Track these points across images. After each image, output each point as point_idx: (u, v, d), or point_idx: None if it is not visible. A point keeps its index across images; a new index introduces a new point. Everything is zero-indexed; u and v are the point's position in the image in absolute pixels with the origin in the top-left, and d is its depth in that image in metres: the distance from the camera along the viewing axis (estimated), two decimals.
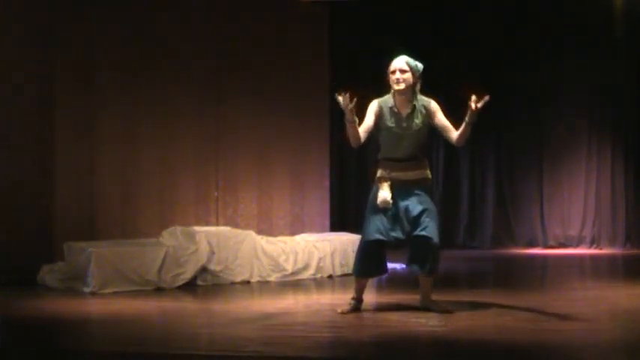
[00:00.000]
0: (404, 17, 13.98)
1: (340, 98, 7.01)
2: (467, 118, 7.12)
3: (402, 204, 7.24)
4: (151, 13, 10.41)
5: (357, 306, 7.40)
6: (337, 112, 12.67)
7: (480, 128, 14.01)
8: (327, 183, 12.13)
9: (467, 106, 7.09)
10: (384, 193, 7.21)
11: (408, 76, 7.25)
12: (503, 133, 14.58)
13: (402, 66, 7.27)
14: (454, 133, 7.29)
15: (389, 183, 7.25)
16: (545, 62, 14.27)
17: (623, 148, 14.22)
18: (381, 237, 7.24)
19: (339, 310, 7.34)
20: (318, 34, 12.14)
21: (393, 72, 7.28)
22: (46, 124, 9.65)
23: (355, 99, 7.04)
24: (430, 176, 7.43)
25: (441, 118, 7.34)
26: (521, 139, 14.50)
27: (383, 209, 7.23)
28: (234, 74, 11.11)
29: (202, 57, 10.86)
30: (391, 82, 7.30)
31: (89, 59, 9.89)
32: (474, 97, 7.05)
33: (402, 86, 7.24)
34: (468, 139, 7.34)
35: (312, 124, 11.74)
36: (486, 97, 7.04)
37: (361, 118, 7.30)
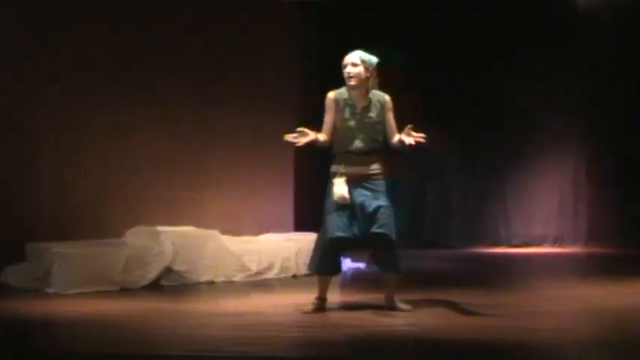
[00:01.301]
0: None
1: (291, 138, 7.11)
2: (402, 141, 7.09)
3: (358, 200, 7.16)
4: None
5: (321, 305, 7.34)
6: (305, 113, 12.71)
7: (446, 127, 14.26)
8: (291, 182, 12.07)
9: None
10: (341, 189, 7.13)
11: (360, 70, 7.21)
12: (468, 132, 14.54)
13: (354, 60, 7.25)
14: (394, 138, 7.25)
15: (344, 178, 7.17)
16: (511, 61, 14.26)
17: (585, 147, 14.27)
18: (342, 234, 7.16)
19: (303, 311, 7.27)
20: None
21: (345, 66, 7.26)
22: (33, 125, 9.54)
23: (309, 137, 7.14)
24: (385, 170, 7.30)
25: (390, 116, 7.32)
26: (485, 138, 14.48)
27: (341, 205, 7.14)
28: (215, 75, 11.03)
29: (187, 58, 10.82)
30: (344, 77, 7.27)
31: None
32: (411, 132, 7.04)
33: (352, 82, 7.23)
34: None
35: (278, 124, 11.59)
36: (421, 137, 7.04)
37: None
